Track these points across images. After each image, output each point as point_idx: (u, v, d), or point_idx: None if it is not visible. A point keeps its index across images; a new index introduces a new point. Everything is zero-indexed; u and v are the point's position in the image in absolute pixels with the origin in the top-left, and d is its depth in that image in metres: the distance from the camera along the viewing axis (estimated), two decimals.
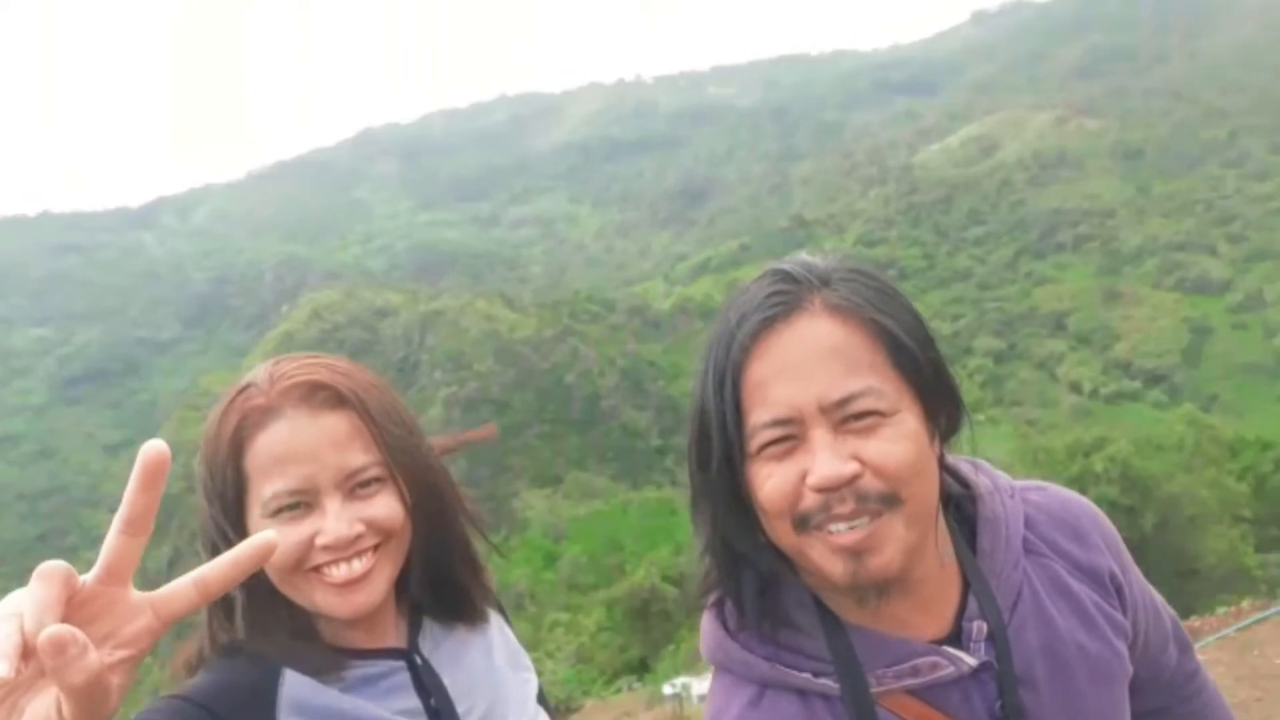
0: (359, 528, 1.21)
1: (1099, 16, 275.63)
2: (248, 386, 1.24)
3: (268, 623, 1.23)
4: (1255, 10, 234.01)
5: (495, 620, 1.52)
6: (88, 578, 0.77)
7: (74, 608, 0.76)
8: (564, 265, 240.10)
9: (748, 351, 1.06)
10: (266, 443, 1.19)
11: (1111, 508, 21.08)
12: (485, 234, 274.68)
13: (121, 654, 0.78)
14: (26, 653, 0.71)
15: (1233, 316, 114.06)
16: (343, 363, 1.29)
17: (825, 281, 1.08)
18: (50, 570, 0.75)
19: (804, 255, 1.13)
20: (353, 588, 1.21)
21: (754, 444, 1.06)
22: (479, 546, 1.45)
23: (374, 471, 1.24)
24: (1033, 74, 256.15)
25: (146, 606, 0.80)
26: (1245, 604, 13.07)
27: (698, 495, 1.15)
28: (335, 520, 1.19)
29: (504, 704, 1.40)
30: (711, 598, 1.21)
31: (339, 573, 1.20)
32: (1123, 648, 1.20)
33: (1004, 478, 1.27)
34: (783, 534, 1.08)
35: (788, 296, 1.07)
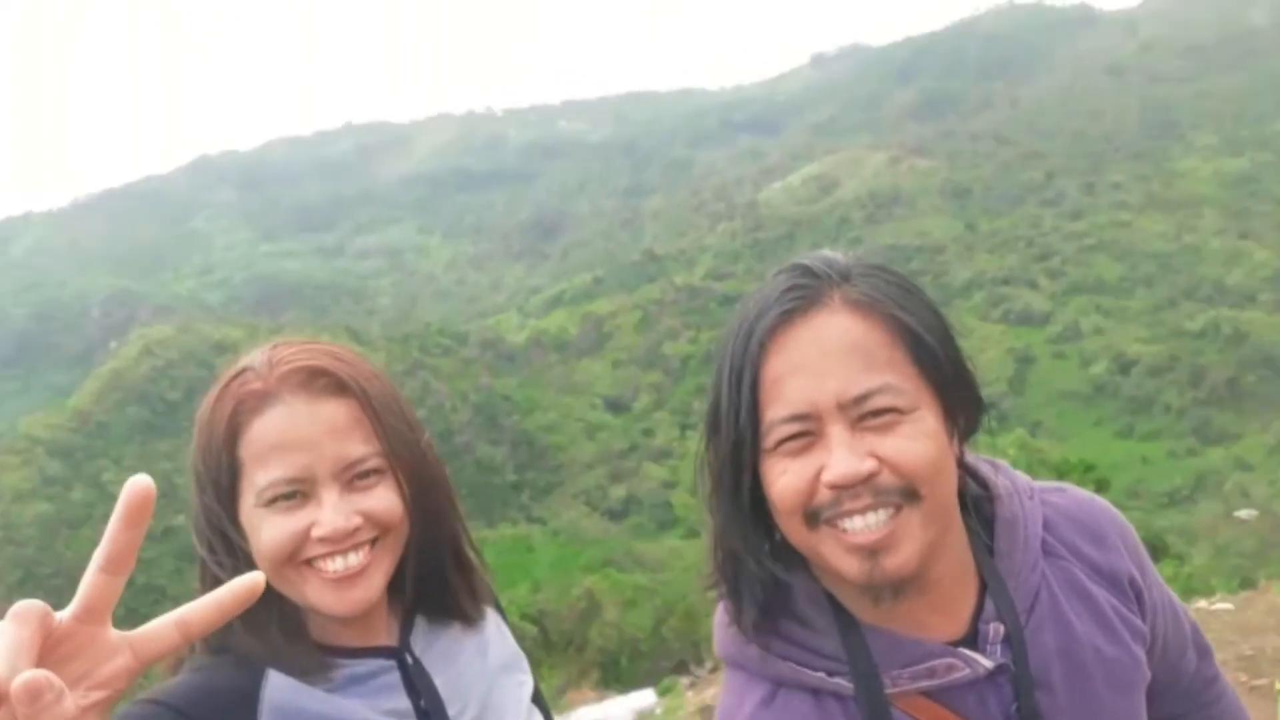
0: (356, 520, 1.17)
1: (929, 64, 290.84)
2: (244, 370, 1.19)
3: (259, 619, 1.18)
4: (1068, 61, 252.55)
5: (493, 620, 1.49)
6: (64, 615, 0.74)
7: (49, 647, 0.72)
8: (414, 297, 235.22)
9: (765, 347, 1.05)
10: (263, 429, 1.15)
11: None
12: (330, 265, 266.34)
13: (96, 696, 0.75)
14: None
15: (1053, 346, 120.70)
16: (344, 350, 1.25)
17: (845, 277, 1.07)
18: (26, 610, 0.71)
19: (825, 251, 1.12)
20: (348, 583, 1.18)
21: (770, 440, 1.05)
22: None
23: (373, 463, 1.20)
24: (868, 116, 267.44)
25: (125, 646, 0.77)
26: None
27: (711, 490, 1.14)
28: (332, 511, 1.15)
29: (498, 705, 1.36)
30: (723, 590, 1.20)
31: (334, 566, 1.17)
32: (1141, 653, 1.19)
33: (1023, 479, 1.25)
34: (794, 531, 1.07)
35: (807, 291, 1.06)
